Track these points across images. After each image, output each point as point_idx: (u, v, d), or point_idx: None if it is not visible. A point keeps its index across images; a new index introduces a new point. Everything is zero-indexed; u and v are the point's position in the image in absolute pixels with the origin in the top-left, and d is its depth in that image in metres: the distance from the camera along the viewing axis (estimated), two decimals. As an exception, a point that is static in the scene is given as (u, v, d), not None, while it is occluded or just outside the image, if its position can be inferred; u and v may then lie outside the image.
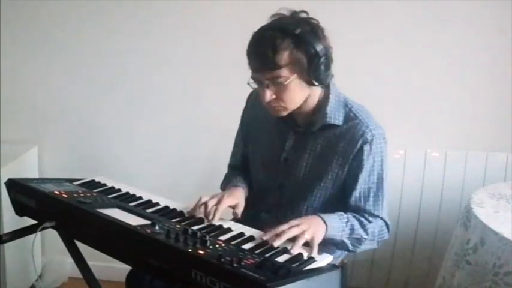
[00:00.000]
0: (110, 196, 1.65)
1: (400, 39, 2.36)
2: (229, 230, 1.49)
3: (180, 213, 1.57)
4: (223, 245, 1.35)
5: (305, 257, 1.35)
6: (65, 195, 1.55)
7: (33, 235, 1.55)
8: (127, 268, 1.52)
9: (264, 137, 1.74)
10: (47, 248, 2.69)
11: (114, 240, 1.42)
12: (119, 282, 1.92)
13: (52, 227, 1.53)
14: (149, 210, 1.57)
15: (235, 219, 1.61)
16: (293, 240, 1.40)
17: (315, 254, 1.38)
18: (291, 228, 1.42)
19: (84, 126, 2.63)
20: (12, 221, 1.92)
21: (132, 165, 2.60)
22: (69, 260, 1.81)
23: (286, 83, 1.50)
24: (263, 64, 1.49)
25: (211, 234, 1.41)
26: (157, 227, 1.37)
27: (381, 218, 1.64)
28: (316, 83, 1.53)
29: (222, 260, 1.21)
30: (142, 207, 1.59)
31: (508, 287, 1.62)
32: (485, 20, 2.32)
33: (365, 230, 1.59)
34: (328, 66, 1.52)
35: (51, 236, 1.72)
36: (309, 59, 1.48)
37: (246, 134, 1.82)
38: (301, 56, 1.47)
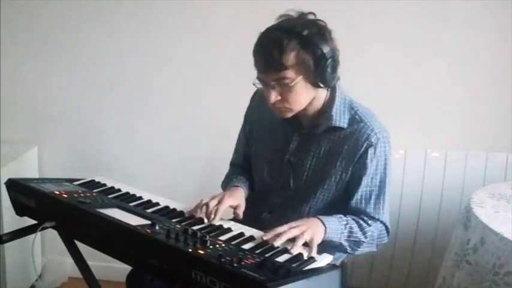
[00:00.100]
0: (110, 196, 1.65)
1: (400, 39, 2.36)
2: (229, 230, 1.49)
3: (180, 213, 1.57)
4: (223, 245, 1.35)
5: (305, 257, 1.35)
6: (65, 195, 1.55)
7: (33, 235, 1.55)
8: (127, 268, 1.52)
9: (268, 137, 1.74)
10: (47, 248, 2.69)
11: (114, 240, 1.42)
12: (119, 282, 1.92)
13: (52, 227, 1.53)
14: (149, 210, 1.57)
15: (236, 220, 1.61)
16: (293, 240, 1.40)
17: (314, 254, 1.38)
18: (290, 229, 1.42)
19: (84, 126, 2.63)
20: (12, 221, 1.92)
21: (132, 165, 2.60)
22: (69, 260, 1.81)
23: (291, 84, 1.49)
24: (269, 65, 1.48)
25: (211, 234, 1.41)
26: (157, 227, 1.37)
27: (381, 222, 1.64)
28: (322, 85, 1.52)
29: (222, 260, 1.21)
30: (142, 207, 1.59)
31: (508, 287, 1.62)
32: (485, 20, 2.32)
33: (364, 233, 1.59)
34: (334, 69, 1.52)
35: (51, 236, 1.72)
36: (315, 60, 1.47)
37: (249, 133, 1.82)
38: (307, 58, 1.47)
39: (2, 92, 2.56)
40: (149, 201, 1.65)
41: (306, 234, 1.41)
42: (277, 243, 1.38)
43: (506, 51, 2.31)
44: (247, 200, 1.70)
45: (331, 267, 1.31)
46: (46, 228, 1.52)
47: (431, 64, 2.38)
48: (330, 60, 1.49)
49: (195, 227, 1.45)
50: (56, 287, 2.68)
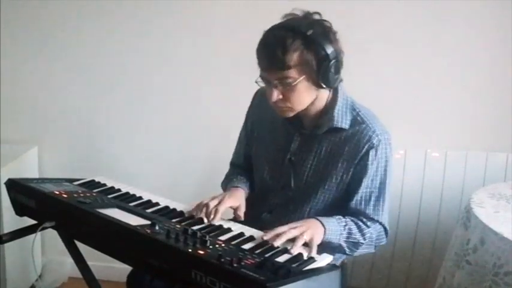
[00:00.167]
0: (110, 196, 1.65)
1: (400, 39, 2.36)
2: (229, 230, 1.49)
3: (180, 213, 1.57)
4: (223, 245, 1.35)
5: (305, 257, 1.35)
6: (65, 195, 1.55)
7: (33, 235, 1.55)
8: (127, 268, 1.52)
9: (269, 137, 1.74)
10: (47, 248, 2.69)
11: (114, 240, 1.42)
12: (119, 282, 1.93)
13: (52, 227, 1.53)
14: (149, 210, 1.57)
15: (236, 220, 1.61)
16: (293, 240, 1.40)
17: (314, 254, 1.38)
18: (290, 230, 1.42)
19: (84, 126, 2.63)
20: (12, 221, 1.92)
21: (132, 165, 2.60)
22: (69, 260, 1.81)
23: (294, 84, 1.49)
24: (272, 64, 1.48)
25: (211, 234, 1.41)
26: (157, 227, 1.37)
27: (380, 223, 1.64)
28: (324, 86, 1.52)
29: (222, 260, 1.21)
30: (142, 207, 1.59)
31: (508, 287, 1.62)
32: (485, 20, 2.32)
33: (363, 235, 1.59)
34: (337, 70, 1.52)
35: (51, 236, 1.72)
36: (318, 61, 1.47)
37: (250, 133, 1.81)
38: (310, 58, 1.47)
39: (2, 92, 2.56)
40: (149, 201, 1.65)
41: (305, 234, 1.41)
42: (277, 243, 1.38)
43: (506, 51, 2.31)
44: (248, 200, 1.70)
45: (331, 267, 1.31)
46: (46, 228, 1.52)
47: (431, 64, 2.38)
48: (333, 61, 1.48)
49: (195, 227, 1.45)
50: (56, 287, 2.68)
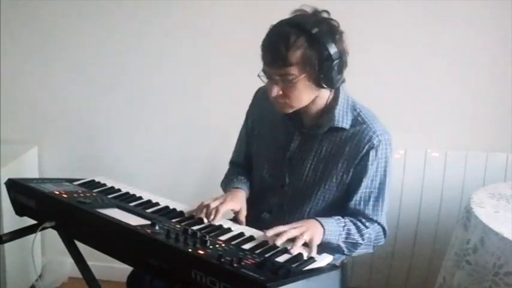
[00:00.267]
0: (110, 196, 1.65)
1: (400, 39, 2.36)
2: (229, 230, 1.49)
3: (180, 213, 1.57)
4: (223, 245, 1.35)
5: (305, 257, 1.35)
6: (65, 195, 1.55)
7: (33, 235, 1.55)
8: (127, 268, 1.52)
9: (269, 136, 1.74)
10: (47, 248, 2.69)
11: (114, 240, 1.42)
12: (119, 282, 1.92)
13: (52, 227, 1.53)
14: (149, 210, 1.57)
15: (236, 220, 1.61)
16: (293, 240, 1.40)
17: (314, 254, 1.38)
18: (290, 230, 1.42)
19: (84, 126, 2.63)
20: (12, 221, 1.92)
21: (132, 165, 2.60)
22: (69, 260, 1.81)
23: (294, 81, 1.49)
24: (274, 59, 1.48)
25: (211, 234, 1.41)
26: (157, 227, 1.37)
27: (379, 223, 1.64)
28: (325, 86, 1.52)
29: (222, 260, 1.21)
30: (142, 207, 1.59)
31: (508, 287, 1.62)
32: (485, 20, 2.32)
33: (361, 235, 1.60)
34: (339, 71, 1.51)
35: (51, 236, 1.72)
36: (320, 60, 1.47)
37: (250, 131, 1.81)
38: (313, 57, 1.46)
39: (2, 92, 2.56)
40: (149, 201, 1.64)
41: (305, 235, 1.42)
42: (278, 242, 1.38)
43: (506, 51, 2.31)
44: (247, 199, 1.70)
45: (331, 267, 1.31)
46: (46, 228, 1.52)
47: (431, 64, 2.38)
48: (335, 62, 1.48)
49: (195, 227, 1.45)
50: (56, 287, 2.68)
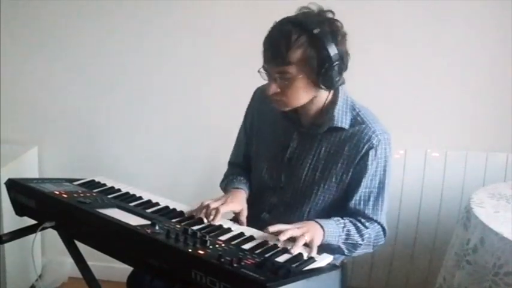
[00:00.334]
0: (110, 196, 1.65)
1: (400, 39, 2.36)
2: (229, 230, 1.49)
3: (180, 213, 1.57)
4: (223, 245, 1.35)
5: (305, 257, 1.35)
6: (65, 195, 1.55)
7: (33, 235, 1.55)
8: (127, 268, 1.52)
9: (268, 135, 1.74)
10: (47, 248, 2.69)
11: (114, 240, 1.42)
12: (119, 282, 1.92)
13: (52, 227, 1.53)
14: (149, 210, 1.57)
15: (236, 220, 1.61)
16: (293, 241, 1.40)
17: (314, 254, 1.38)
18: (292, 228, 1.42)
19: (84, 126, 2.63)
20: (12, 221, 1.92)
21: (132, 165, 2.60)
22: (69, 260, 1.81)
23: (292, 80, 1.49)
24: (274, 57, 1.48)
25: (211, 234, 1.41)
26: (157, 227, 1.37)
27: (378, 223, 1.64)
28: (322, 87, 1.52)
29: (222, 260, 1.21)
30: (142, 207, 1.59)
31: (508, 287, 1.62)
32: (485, 20, 2.32)
33: (361, 236, 1.59)
34: (339, 73, 1.51)
35: (51, 236, 1.72)
36: (320, 61, 1.47)
37: (249, 131, 1.81)
38: (313, 57, 1.46)
39: (2, 92, 2.56)
40: (149, 201, 1.64)
41: (306, 235, 1.41)
42: (282, 238, 1.38)
43: (506, 51, 2.31)
44: (247, 200, 1.70)
45: (331, 267, 1.31)
46: (46, 228, 1.52)
47: (431, 64, 2.38)
48: (335, 63, 1.47)
49: (195, 227, 1.45)
50: (56, 287, 2.68)
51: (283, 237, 1.38)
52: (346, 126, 1.60)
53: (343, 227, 1.57)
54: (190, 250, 1.26)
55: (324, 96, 1.59)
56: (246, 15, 2.37)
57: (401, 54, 2.37)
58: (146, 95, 2.55)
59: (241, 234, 1.46)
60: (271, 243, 1.40)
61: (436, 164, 2.40)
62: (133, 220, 1.44)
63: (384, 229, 1.66)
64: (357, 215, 1.62)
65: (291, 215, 1.65)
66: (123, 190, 1.71)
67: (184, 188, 2.48)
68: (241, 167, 1.84)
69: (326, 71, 1.48)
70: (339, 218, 1.58)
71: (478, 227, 1.76)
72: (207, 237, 1.34)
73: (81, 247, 1.64)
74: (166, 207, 1.61)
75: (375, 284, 2.56)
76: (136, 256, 1.37)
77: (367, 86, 2.32)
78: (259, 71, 1.54)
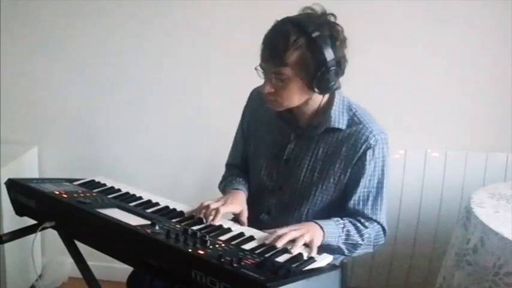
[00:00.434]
0: (110, 196, 1.65)
1: (400, 39, 2.36)
2: (229, 230, 1.49)
3: (180, 213, 1.57)
4: (223, 245, 1.35)
5: (305, 257, 1.35)
6: (65, 195, 1.55)
7: (33, 235, 1.55)
8: (127, 268, 1.52)
9: (265, 136, 1.73)
10: (47, 248, 2.69)
11: (114, 240, 1.42)
12: (119, 282, 1.92)
13: (52, 227, 1.53)
14: (149, 210, 1.57)
15: (236, 220, 1.61)
16: (293, 241, 1.40)
17: (314, 254, 1.38)
18: (291, 231, 1.42)
19: (84, 126, 2.63)
20: (12, 221, 1.92)
21: (132, 165, 2.60)
22: (69, 260, 1.81)
23: (287, 81, 1.49)
24: (271, 57, 1.48)
25: (211, 234, 1.41)
26: (157, 227, 1.37)
27: (378, 223, 1.64)
28: (317, 91, 1.52)
29: (222, 260, 1.21)
30: (142, 207, 1.59)
31: (508, 287, 1.62)
32: (485, 20, 2.32)
33: (361, 236, 1.59)
34: (334, 78, 1.50)
35: (51, 236, 1.72)
36: (316, 65, 1.47)
37: (246, 132, 1.81)
38: (309, 60, 1.46)
39: (2, 92, 2.56)
40: (149, 201, 1.64)
41: (305, 236, 1.42)
42: (279, 244, 1.38)
43: (506, 51, 2.31)
44: (246, 201, 1.70)
45: (331, 267, 1.31)
46: (46, 228, 1.52)
47: (431, 64, 2.38)
48: (331, 68, 1.47)
49: (195, 227, 1.45)
50: (56, 287, 2.68)
51: (280, 243, 1.38)
52: (343, 127, 1.60)
53: (343, 227, 1.57)
54: (190, 250, 1.26)
55: (318, 98, 1.59)
56: (246, 15, 2.37)
57: (401, 54, 2.37)
58: (146, 95, 2.55)
59: (241, 234, 1.46)
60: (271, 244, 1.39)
61: (436, 164, 2.40)
62: (133, 220, 1.44)
63: (383, 229, 1.66)
64: (356, 215, 1.62)
65: (290, 216, 1.65)
66: (123, 190, 1.71)
67: (184, 188, 2.48)
68: (240, 168, 1.84)
69: (321, 76, 1.48)
70: (338, 219, 1.58)
71: (478, 227, 1.76)
72: (207, 237, 1.34)
73: (81, 247, 1.64)
74: (166, 207, 1.61)
75: (375, 284, 2.56)
76: (136, 256, 1.37)
77: (367, 86, 2.33)
78: (256, 69, 1.54)
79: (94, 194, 1.63)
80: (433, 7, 2.32)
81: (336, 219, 1.58)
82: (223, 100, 2.47)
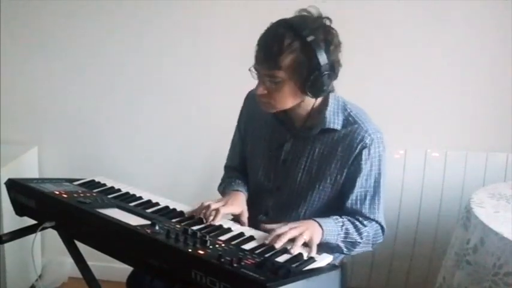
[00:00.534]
0: (110, 196, 1.65)
1: (400, 39, 2.36)
2: (229, 230, 1.49)
3: (180, 213, 1.57)
4: (223, 245, 1.35)
5: (305, 257, 1.35)
6: (65, 195, 1.55)
7: (33, 235, 1.55)
8: (127, 268, 1.52)
9: (262, 138, 1.74)
10: (47, 248, 2.69)
11: (114, 240, 1.42)
12: (119, 282, 1.92)
13: (52, 227, 1.53)
14: (149, 210, 1.57)
15: (236, 220, 1.61)
16: (293, 240, 1.40)
17: (314, 254, 1.38)
18: (290, 230, 1.42)
19: (84, 126, 2.63)
20: (12, 221, 1.92)
21: (132, 165, 2.60)
22: (69, 260, 1.81)
23: (280, 84, 1.50)
24: (265, 59, 1.49)
25: (211, 234, 1.41)
26: (157, 227, 1.37)
27: (376, 222, 1.64)
28: (309, 94, 1.52)
29: (222, 260, 1.21)
30: (142, 207, 1.59)
31: (508, 287, 1.62)
32: (485, 20, 2.32)
33: (359, 234, 1.60)
34: (327, 82, 1.50)
35: (51, 236, 1.72)
36: (309, 69, 1.47)
37: (244, 134, 1.82)
38: (303, 65, 1.46)
39: (2, 92, 2.56)
40: (149, 201, 1.64)
41: (305, 234, 1.42)
42: (278, 244, 1.38)
43: (506, 51, 2.31)
44: (246, 202, 1.69)
45: (331, 267, 1.31)
46: (46, 228, 1.52)
47: (431, 64, 2.38)
48: (324, 73, 1.47)
49: (195, 227, 1.45)
50: (56, 287, 2.68)
51: (279, 244, 1.38)
52: (339, 127, 1.60)
53: (342, 225, 1.57)
54: (190, 250, 1.26)
55: (312, 100, 1.58)
56: (246, 15, 2.37)
57: (401, 54, 2.37)
58: (146, 95, 2.55)
59: (241, 234, 1.46)
60: (271, 244, 1.39)
61: (436, 164, 2.40)
62: (133, 220, 1.44)
63: (382, 227, 1.66)
64: (354, 215, 1.62)
65: (288, 217, 1.65)
66: (123, 190, 1.71)
67: (184, 188, 2.48)
68: (238, 170, 1.84)
69: (315, 80, 1.48)
70: (337, 217, 1.59)
71: (478, 227, 1.76)
72: (207, 237, 1.34)
73: (81, 247, 1.64)
74: (166, 207, 1.61)
75: (375, 284, 2.56)
76: (136, 256, 1.37)
77: (367, 86, 2.33)
78: (250, 70, 1.55)
79: (94, 194, 1.63)
80: (433, 7, 2.32)
81: (335, 217, 1.58)
82: (223, 100, 2.46)
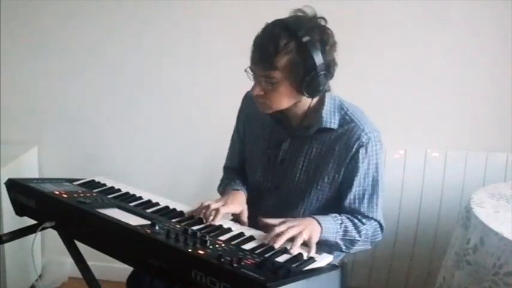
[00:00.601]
0: (109, 196, 1.65)
1: (400, 39, 2.36)
2: (229, 230, 1.49)
3: (180, 213, 1.57)
4: (223, 245, 1.35)
5: (305, 257, 1.35)
6: (65, 195, 1.55)
7: (33, 235, 1.55)
8: (127, 268, 1.52)
9: (260, 138, 1.74)
10: (47, 248, 2.69)
11: (114, 240, 1.42)
12: (119, 282, 1.92)
13: (52, 227, 1.53)
14: (149, 210, 1.57)
15: (236, 220, 1.61)
16: (292, 240, 1.40)
17: (313, 253, 1.38)
18: (289, 229, 1.42)
19: (84, 126, 2.63)
20: (12, 221, 1.92)
21: (132, 165, 2.60)
22: (69, 260, 1.81)
23: (276, 84, 1.50)
24: (261, 60, 1.49)
25: (211, 234, 1.41)
26: (157, 227, 1.37)
27: (375, 220, 1.65)
28: (306, 94, 1.52)
29: (222, 260, 1.21)
30: (142, 207, 1.59)
31: (508, 287, 1.62)
32: (485, 20, 2.32)
33: (358, 232, 1.60)
34: (323, 82, 1.51)
35: (51, 236, 1.72)
36: (305, 70, 1.47)
37: (242, 134, 1.82)
38: (299, 65, 1.47)
39: (2, 92, 2.56)
40: (149, 201, 1.64)
41: (304, 233, 1.42)
42: (277, 244, 1.38)
43: (506, 51, 2.31)
44: (246, 202, 1.70)
45: (331, 267, 1.31)
46: (46, 228, 1.52)
47: (431, 64, 2.38)
48: (320, 73, 1.48)
49: (195, 227, 1.45)
50: (56, 287, 2.68)
51: (278, 244, 1.38)
52: (335, 127, 1.60)
53: (341, 223, 1.57)
54: (190, 250, 1.26)
55: (308, 100, 1.59)
56: (246, 15, 2.37)
57: (401, 54, 2.37)
58: (146, 95, 2.55)
59: (241, 234, 1.46)
60: (270, 244, 1.39)
61: (436, 164, 2.40)
62: (134, 220, 1.44)
63: (381, 225, 1.67)
64: (353, 213, 1.62)
65: (286, 216, 1.64)
66: (123, 190, 1.71)
67: (184, 188, 2.48)
68: (237, 170, 1.85)
69: (311, 80, 1.48)
70: (336, 215, 1.59)
71: (478, 227, 1.76)
72: (207, 237, 1.34)
73: (81, 247, 1.64)
74: (166, 207, 1.61)
75: (375, 284, 2.56)
76: (137, 256, 1.37)
77: (367, 86, 2.33)
78: (245, 71, 1.55)
79: (94, 194, 1.63)
80: (433, 7, 2.32)
81: (333, 215, 1.58)
82: (223, 100, 2.45)
